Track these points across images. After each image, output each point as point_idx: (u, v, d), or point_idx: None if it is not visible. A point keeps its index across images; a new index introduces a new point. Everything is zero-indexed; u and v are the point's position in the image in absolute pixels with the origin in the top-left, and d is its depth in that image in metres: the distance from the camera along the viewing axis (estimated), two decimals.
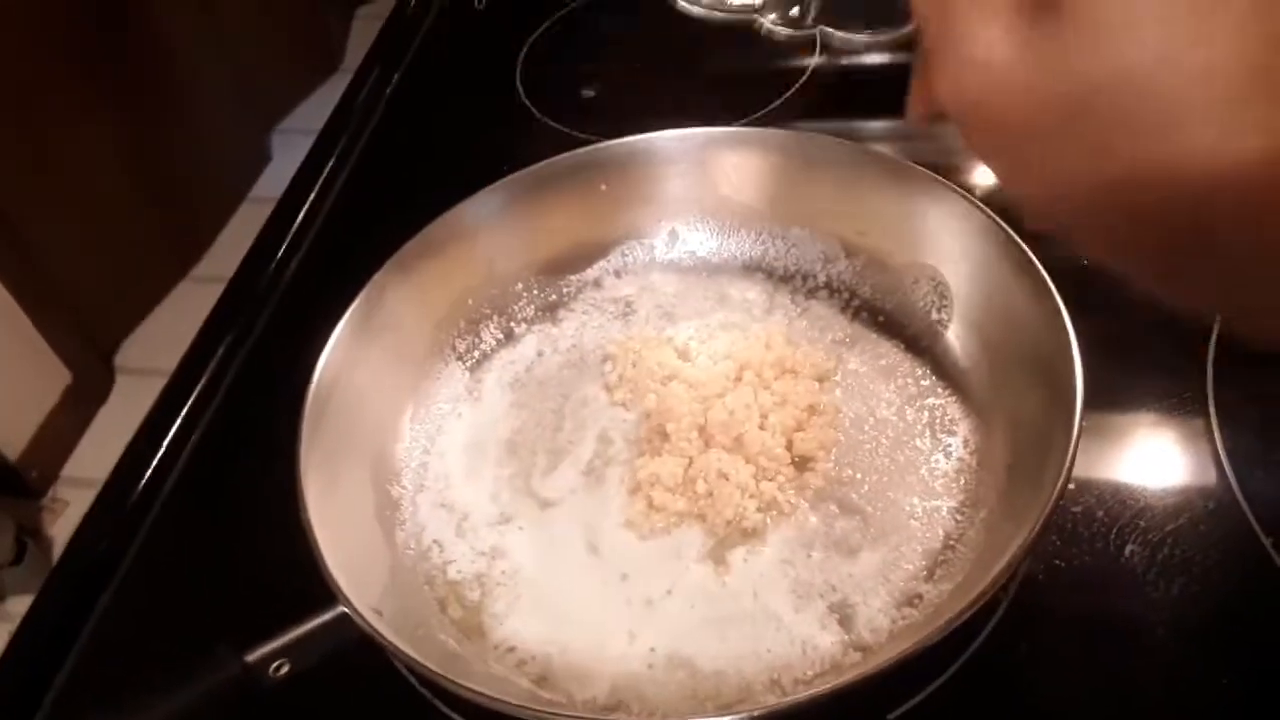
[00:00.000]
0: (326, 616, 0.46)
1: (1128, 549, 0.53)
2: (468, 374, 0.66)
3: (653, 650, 0.52)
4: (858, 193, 0.63)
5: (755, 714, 0.42)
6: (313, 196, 0.83)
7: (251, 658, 0.45)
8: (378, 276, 0.60)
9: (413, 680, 0.52)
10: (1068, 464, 0.46)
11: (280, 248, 0.79)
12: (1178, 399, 0.59)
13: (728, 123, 0.69)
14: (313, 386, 0.55)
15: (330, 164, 0.86)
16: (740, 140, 0.67)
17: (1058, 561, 0.53)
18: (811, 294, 0.67)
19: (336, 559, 0.48)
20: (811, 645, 0.51)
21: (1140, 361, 0.61)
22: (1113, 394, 0.59)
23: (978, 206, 0.58)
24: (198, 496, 0.65)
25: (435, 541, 0.57)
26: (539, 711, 0.44)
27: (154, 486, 0.65)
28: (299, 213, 0.82)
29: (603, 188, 0.67)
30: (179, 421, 0.68)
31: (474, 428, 0.63)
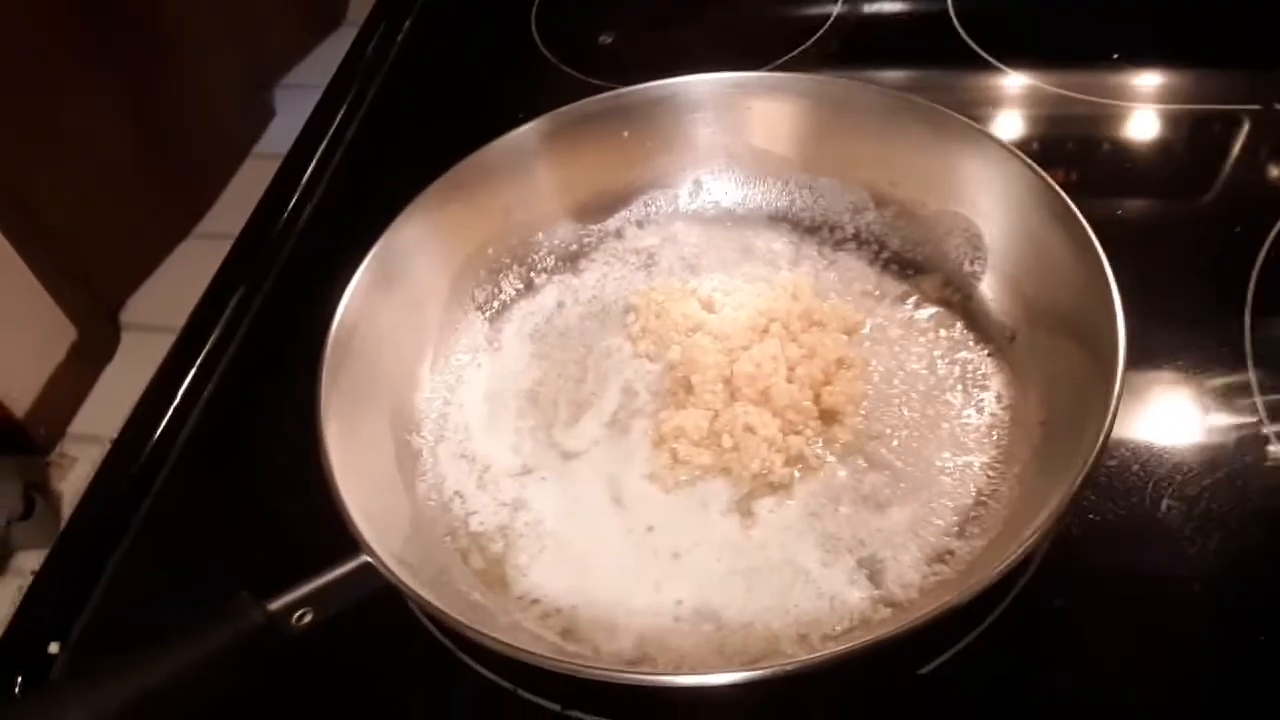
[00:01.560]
0: (349, 566, 0.45)
1: (1164, 504, 0.52)
2: (487, 324, 0.64)
3: (679, 603, 0.51)
4: (890, 140, 0.61)
5: (787, 668, 0.41)
6: (322, 149, 0.81)
7: (274, 606, 0.44)
8: (397, 222, 0.58)
9: (435, 631, 0.51)
10: (1109, 421, 0.45)
11: (290, 201, 0.78)
12: (1215, 351, 0.58)
13: (752, 68, 0.67)
14: (333, 331, 0.53)
15: (340, 116, 0.84)
16: (770, 86, 0.65)
17: (1092, 516, 0.52)
18: (839, 245, 0.65)
19: (358, 508, 0.47)
20: (840, 600, 0.50)
21: (1177, 312, 0.59)
22: (1149, 345, 0.58)
23: (1015, 153, 0.56)
24: (212, 450, 0.64)
25: (457, 493, 0.57)
26: (563, 663, 0.43)
27: (167, 441, 0.64)
28: (308, 166, 0.80)
29: (625, 135, 0.65)
30: (191, 375, 0.67)
31: (494, 378, 0.62)
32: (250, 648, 0.43)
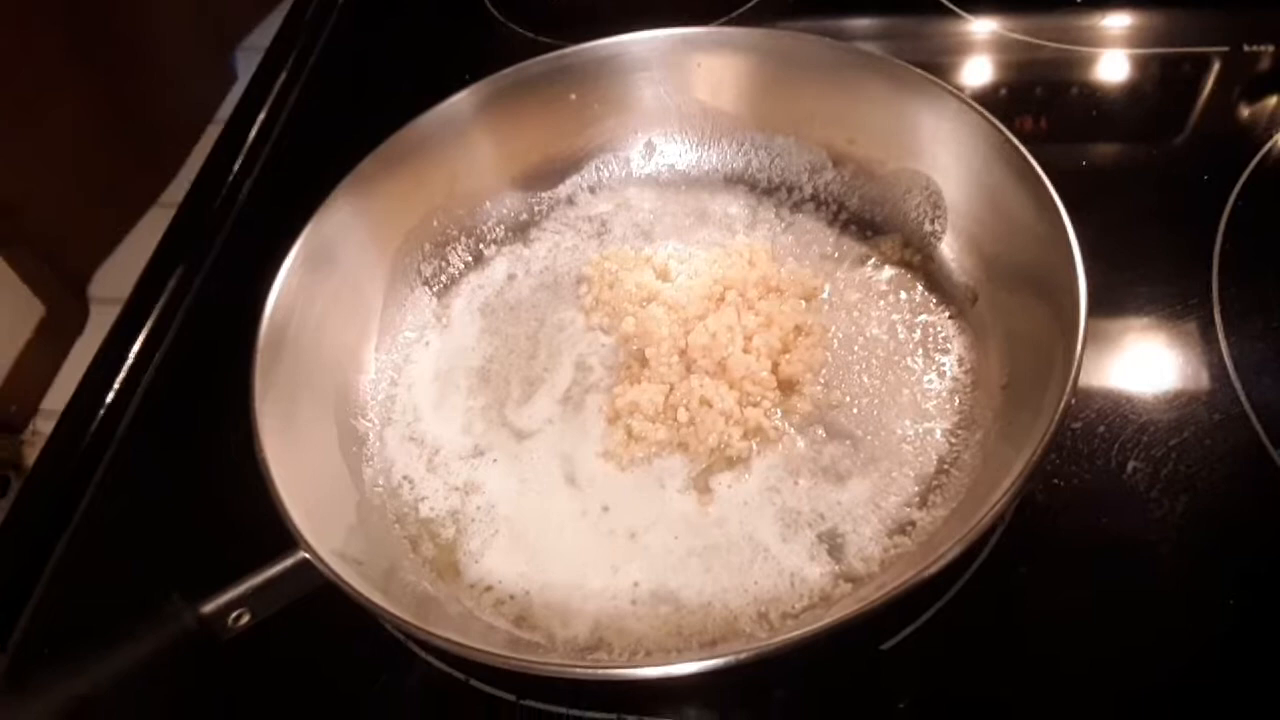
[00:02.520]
0: (287, 563, 0.43)
1: (1130, 466, 0.51)
2: (435, 300, 0.62)
3: (636, 585, 0.49)
4: (845, 96, 0.59)
5: (740, 656, 0.40)
6: (264, 115, 0.78)
7: (208, 609, 0.42)
8: (330, 199, 0.56)
9: (385, 623, 0.50)
10: (1070, 383, 0.43)
11: (232, 169, 0.75)
12: (1182, 305, 0.56)
13: (704, 23, 0.64)
14: (265, 320, 0.51)
15: (281, 78, 0.81)
16: (718, 41, 0.62)
17: (1057, 481, 0.51)
18: (797, 207, 0.63)
19: (297, 500, 0.45)
20: (800, 576, 0.48)
21: (1145, 262, 0.58)
22: (1114, 301, 0.56)
23: (972, 107, 0.54)
24: (154, 437, 0.62)
25: (405, 478, 0.55)
26: (513, 659, 0.42)
27: (106, 430, 0.62)
28: (250, 132, 0.77)
29: (572, 97, 0.63)
30: (133, 356, 0.65)
31: (443, 356, 0.60)
32: (184, 653, 0.41)
